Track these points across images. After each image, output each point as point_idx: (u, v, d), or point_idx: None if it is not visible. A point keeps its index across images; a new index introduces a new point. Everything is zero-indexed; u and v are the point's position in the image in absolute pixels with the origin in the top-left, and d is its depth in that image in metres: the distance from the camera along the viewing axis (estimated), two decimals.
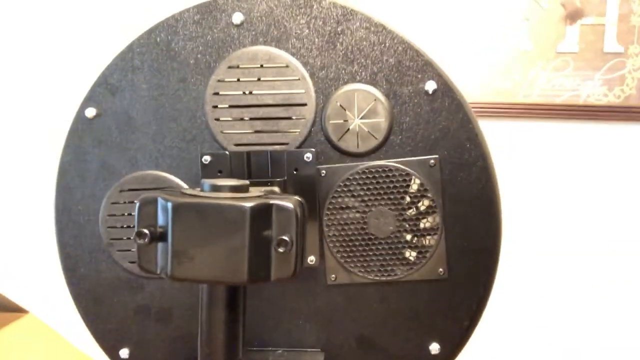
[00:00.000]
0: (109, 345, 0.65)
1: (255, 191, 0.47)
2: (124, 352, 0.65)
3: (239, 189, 0.45)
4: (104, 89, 0.63)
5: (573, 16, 1.44)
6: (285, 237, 0.42)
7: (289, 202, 0.44)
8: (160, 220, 0.44)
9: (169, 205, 0.43)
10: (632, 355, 1.32)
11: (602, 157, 1.36)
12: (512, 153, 1.41)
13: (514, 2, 1.40)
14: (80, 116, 0.64)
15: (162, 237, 0.43)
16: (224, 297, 0.46)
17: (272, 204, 0.43)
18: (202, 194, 0.44)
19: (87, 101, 0.64)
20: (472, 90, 1.41)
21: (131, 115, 0.63)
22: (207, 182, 0.45)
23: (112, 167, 0.64)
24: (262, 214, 0.43)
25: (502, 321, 1.31)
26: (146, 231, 0.43)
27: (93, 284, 0.65)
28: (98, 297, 0.65)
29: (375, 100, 0.59)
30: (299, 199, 0.47)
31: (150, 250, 0.44)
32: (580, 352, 1.34)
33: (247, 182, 0.47)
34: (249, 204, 0.42)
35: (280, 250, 0.42)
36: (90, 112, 0.63)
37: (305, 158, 0.59)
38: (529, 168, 1.38)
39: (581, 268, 1.34)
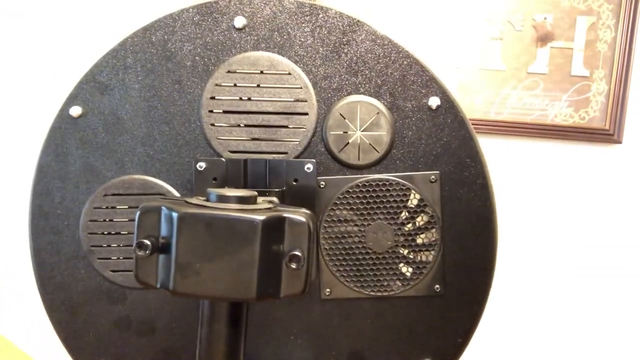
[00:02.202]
0: (84, 356, 0.61)
1: (262, 203, 0.45)
2: None
3: (247, 201, 0.43)
4: (92, 87, 0.59)
5: (544, 39, 1.49)
6: (298, 253, 0.41)
7: (301, 216, 0.42)
8: (164, 231, 0.41)
9: (175, 215, 0.40)
10: None
11: (566, 175, 1.41)
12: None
13: (488, 23, 1.44)
14: (63, 114, 0.60)
15: (165, 248, 0.41)
16: (227, 313, 0.43)
17: (285, 217, 0.41)
18: (208, 204, 0.42)
19: (72, 99, 0.60)
20: None
21: (120, 116, 0.60)
22: (214, 191, 0.43)
23: (96, 169, 0.60)
24: (274, 228, 0.41)
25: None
26: (147, 242, 0.40)
27: (70, 293, 0.61)
28: (75, 307, 0.61)
29: (378, 113, 0.58)
30: (309, 212, 0.45)
31: (150, 263, 0.41)
32: None
33: (255, 193, 0.45)
34: (260, 217, 0.40)
35: (293, 266, 0.40)
36: (76, 110, 0.59)
37: (305, 169, 0.57)
38: (498, 183, 1.41)
39: (546, 282, 1.37)
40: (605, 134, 1.41)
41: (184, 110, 0.59)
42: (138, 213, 0.42)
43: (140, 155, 0.60)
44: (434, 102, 0.58)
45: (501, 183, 1.38)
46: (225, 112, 0.59)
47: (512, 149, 1.45)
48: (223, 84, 0.59)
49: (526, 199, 1.40)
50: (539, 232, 1.37)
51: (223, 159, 0.58)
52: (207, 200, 0.43)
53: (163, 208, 0.41)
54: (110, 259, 0.60)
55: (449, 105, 0.58)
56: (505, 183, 1.40)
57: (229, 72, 0.58)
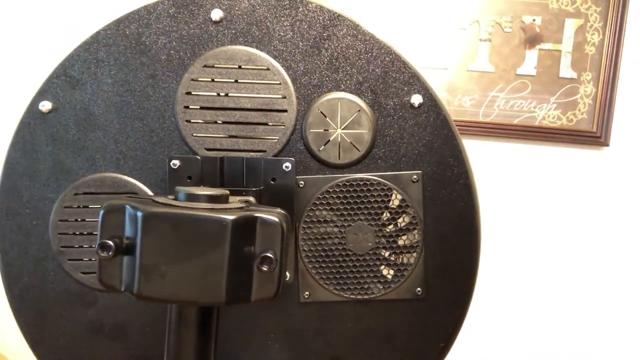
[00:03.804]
0: None
1: (235, 202, 0.43)
2: None
3: (217, 200, 0.41)
4: (63, 82, 0.57)
5: (532, 41, 1.48)
6: (270, 255, 0.39)
7: (274, 216, 0.40)
8: (128, 231, 0.39)
9: (139, 214, 0.38)
10: None
11: (555, 178, 1.41)
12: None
13: (477, 25, 1.43)
14: (33, 110, 0.57)
15: (129, 250, 0.39)
16: (196, 318, 0.41)
17: (256, 217, 0.39)
18: (176, 203, 0.40)
19: (42, 94, 0.57)
20: None
21: (92, 111, 0.57)
22: (182, 190, 0.41)
23: (66, 167, 0.57)
24: (245, 228, 0.39)
25: None
26: (110, 243, 0.38)
27: (38, 296, 0.58)
28: (43, 311, 0.58)
29: (359, 110, 0.57)
30: (283, 212, 0.43)
31: (114, 264, 0.39)
32: None
33: (226, 191, 0.43)
34: (230, 217, 0.38)
35: (264, 268, 0.38)
36: (45, 105, 0.57)
37: (284, 167, 0.56)
38: (485, 186, 1.41)
39: (533, 284, 1.37)
40: (593, 137, 1.41)
41: (158, 106, 0.57)
42: (101, 212, 0.40)
43: (112, 152, 0.57)
44: (417, 99, 0.57)
45: (489, 185, 1.38)
46: (201, 108, 0.57)
47: (500, 151, 1.45)
48: (199, 79, 0.57)
49: (514, 201, 1.39)
50: (526, 235, 1.36)
51: (198, 157, 0.56)
52: (176, 199, 0.41)
53: (127, 207, 0.39)
54: (81, 260, 0.58)
55: (431, 103, 0.57)
56: (494, 185, 1.39)
57: (205, 66, 0.56)
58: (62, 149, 0.57)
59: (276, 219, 0.40)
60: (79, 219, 0.57)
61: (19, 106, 0.60)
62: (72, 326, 0.58)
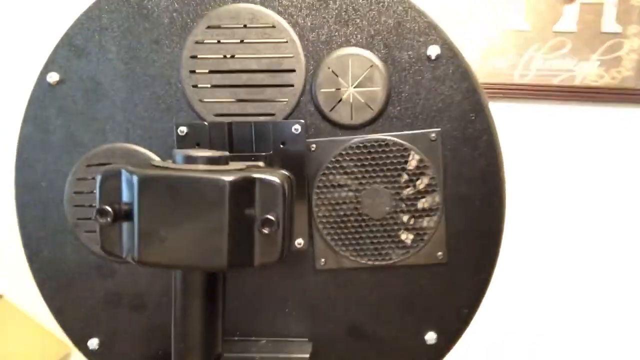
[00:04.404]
0: (77, 335, 0.60)
1: (236, 164, 0.41)
2: (93, 343, 0.59)
3: (217, 161, 0.39)
4: (68, 52, 0.56)
5: None
6: (271, 216, 0.37)
7: (274, 176, 0.38)
8: (125, 197, 0.38)
9: (135, 178, 0.37)
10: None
11: (598, 139, 1.33)
12: (508, 135, 1.37)
13: None
14: (41, 82, 0.57)
15: (128, 215, 0.37)
16: (201, 284, 0.40)
17: (255, 178, 0.37)
18: (174, 166, 0.38)
19: (49, 65, 0.57)
20: None
21: (99, 80, 0.56)
22: (180, 152, 0.39)
23: (77, 139, 0.57)
24: (244, 190, 0.37)
25: (499, 317, 1.28)
26: (109, 209, 0.37)
27: (58, 268, 0.59)
28: (64, 283, 0.59)
29: (371, 66, 0.53)
30: (286, 173, 0.41)
31: (114, 231, 0.38)
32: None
33: (226, 153, 0.41)
34: (228, 178, 0.36)
35: (265, 231, 0.37)
36: (53, 77, 0.56)
37: (293, 130, 0.53)
38: (524, 150, 1.35)
39: (572, 254, 1.31)
40: (639, 95, 1.31)
41: (164, 72, 0.55)
42: (98, 178, 0.39)
43: (121, 122, 0.56)
44: (434, 51, 0.53)
45: (526, 150, 1.31)
46: (207, 72, 0.55)
47: (538, 113, 1.37)
48: (203, 41, 0.54)
49: (553, 165, 1.32)
50: (565, 201, 1.30)
51: (205, 123, 0.54)
52: (174, 162, 0.40)
53: (123, 172, 0.38)
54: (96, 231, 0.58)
55: (450, 54, 0.53)
56: (531, 149, 1.32)
57: (209, 27, 0.54)
58: (72, 121, 0.57)
59: (277, 180, 0.38)
60: (93, 191, 0.57)
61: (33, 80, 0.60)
62: (92, 297, 0.59)
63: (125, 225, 0.38)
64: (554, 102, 1.39)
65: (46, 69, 0.57)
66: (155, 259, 0.37)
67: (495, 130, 0.55)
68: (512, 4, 1.37)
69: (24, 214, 0.59)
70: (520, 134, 1.37)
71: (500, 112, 1.43)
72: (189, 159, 0.39)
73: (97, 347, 0.59)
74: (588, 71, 1.37)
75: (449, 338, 0.57)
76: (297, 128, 0.53)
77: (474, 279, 0.56)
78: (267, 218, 0.37)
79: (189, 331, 0.40)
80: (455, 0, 1.31)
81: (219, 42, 0.54)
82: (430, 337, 0.57)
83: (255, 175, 0.37)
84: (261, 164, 0.51)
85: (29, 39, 1.14)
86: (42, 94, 0.57)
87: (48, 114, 0.57)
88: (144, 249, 0.37)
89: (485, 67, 1.40)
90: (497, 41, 1.37)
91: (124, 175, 0.38)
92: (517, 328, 1.32)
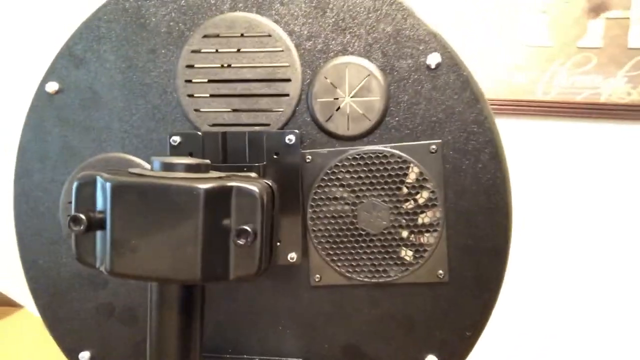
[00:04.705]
0: (69, 347, 0.59)
1: (215, 173, 0.39)
2: (84, 356, 0.58)
3: (196, 169, 0.38)
4: (68, 61, 0.56)
5: (596, 9, 1.35)
6: (247, 227, 0.35)
7: (253, 186, 0.36)
8: (100, 204, 0.36)
9: (108, 185, 0.35)
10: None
11: (623, 158, 1.27)
12: (529, 153, 1.32)
13: None
14: (41, 91, 0.57)
15: (102, 224, 0.36)
16: (177, 298, 0.38)
17: (231, 187, 0.36)
18: (149, 173, 0.37)
19: (49, 74, 0.57)
20: (487, 86, 1.33)
21: (96, 90, 0.56)
22: (158, 159, 0.38)
23: (74, 148, 0.57)
24: (220, 199, 0.36)
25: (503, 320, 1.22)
26: (82, 216, 0.36)
27: (52, 278, 0.58)
28: (58, 293, 0.58)
29: (369, 75, 0.51)
30: (268, 182, 0.39)
31: (89, 240, 0.37)
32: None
33: (207, 161, 0.40)
34: (203, 186, 0.35)
35: (240, 242, 0.35)
36: (52, 86, 0.56)
37: (287, 140, 0.52)
38: (547, 169, 1.30)
39: (590, 270, 1.24)
40: None
41: (160, 82, 0.55)
42: (75, 184, 0.38)
43: (117, 131, 0.56)
44: (433, 59, 0.51)
45: (550, 168, 1.27)
46: (202, 81, 0.54)
47: (561, 131, 1.33)
48: (199, 50, 0.54)
49: (577, 185, 1.27)
50: (591, 222, 1.24)
51: (199, 133, 0.53)
52: (152, 169, 0.39)
53: (98, 178, 0.36)
54: None
55: (450, 62, 0.51)
56: (554, 168, 1.28)
57: (205, 36, 0.53)
58: (69, 130, 0.57)
59: (255, 189, 0.36)
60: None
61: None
62: (84, 309, 0.58)
63: (99, 234, 0.37)
64: (578, 119, 1.34)
65: (46, 79, 0.57)
66: (127, 270, 0.36)
67: (500, 142, 0.52)
68: (536, 19, 1.34)
69: (20, 222, 0.59)
70: (543, 151, 1.32)
71: (522, 129, 1.39)
72: (167, 166, 0.37)
73: None
74: (614, 88, 1.32)
75: None
76: (290, 138, 0.51)
77: (478, 299, 0.52)
78: (243, 229, 0.35)
79: (164, 345, 0.39)
80: (477, 15, 1.29)
81: (215, 51, 0.54)
82: None
83: (232, 184, 0.36)
84: (253, 174, 0.50)
85: (39, 48, 1.17)
86: (41, 103, 0.57)
87: (46, 123, 0.57)
88: (116, 259, 0.36)
89: (507, 84, 1.37)
90: (520, 57, 1.34)
91: (99, 182, 0.36)
92: (520, 347, 1.25)
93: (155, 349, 0.39)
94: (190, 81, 0.54)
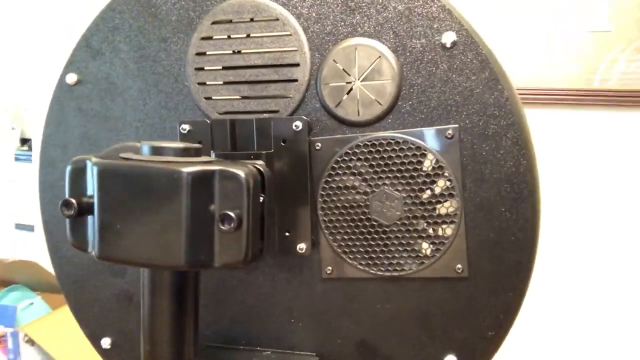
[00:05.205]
0: (92, 333, 0.60)
1: (204, 158, 0.38)
2: (106, 342, 0.59)
3: (184, 153, 0.37)
4: (85, 53, 0.57)
5: None
6: (230, 212, 0.33)
7: (238, 170, 0.35)
8: (90, 188, 0.36)
9: (95, 169, 0.35)
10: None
11: None
12: (587, 146, 1.23)
13: None
14: (61, 83, 0.58)
15: (92, 208, 0.36)
16: (169, 283, 0.37)
17: (215, 171, 0.34)
18: (136, 157, 0.37)
19: (68, 66, 0.58)
20: (541, 75, 1.25)
21: (112, 80, 0.57)
22: (147, 144, 0.37)
23: (93, 137, 0.58)
24: (205, 183, 0.34)
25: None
26: (72, 201, 0.36)
27: (76, 266, 0.60)
28: (80, 280, 0.60)
29: (379, 57, 0.49)
30: (259, 167, 0.37)
31: (81, 224, 0.37)
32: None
33: (198, 145, 0.39)
34: (186, 169, 0.34)
35: (224, 227, 0.33)
36: (71, 78, 0.58)
37: (294, 127, 0.50)
38: (606, 161, 1.21)
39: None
40: None
41: (171, 70, 0.55)
42: (67, 169, 0.38)
43: (132, 120, 0.56)
44: (449, 38, 0.47)
45: (607, 161, 1.18)
46: (213, 69, 0.53)
47: (620, 121, 1.23)
48: (208, 38, 0.53)
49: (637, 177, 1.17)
50: None
51: (207, 121, 0.52)
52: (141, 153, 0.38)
53: (88, 162, 0.36)
54: None
55: (467, 41, 0.47)
56: (612, 161, 1.19)
57: (214, 23, 0.53)
58: (88, 120, 0.58)
59: (239, 173, 0.34)
60: None
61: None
62: (105, 297, 0.59)
63: (90, 219, 0.37)
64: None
65: (66, 70, 0.58)
66: (112, 254, 0.35)
67: (525, 126, 0.47)
68: (594, 3, 1.25)
69: (46, 211, 0.60)
70: (602, 143, 1.23)
71: (578, 121, 1.30)
72: (156, 150, 0.37)
73: (109, 346, 0.59)
74: None
75: None
76: (297, 125, 0.49)
77: (500, 297, 0.48)
78: (226, 214, 0.33)
79: (157, 332, 0.38)
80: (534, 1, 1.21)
81: (229, 37, 0.53)
82: None
83: (216, 168, 0.34)
84: (260, 162, 0.48)
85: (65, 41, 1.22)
86: (62, 94, 0.58)
87: (67, 114, 0.58)
88: (102, 243, 0.35)
89: (561, 72, 1.28)
90: (575, 43, 1.25)
91: (89, 166, 0.36)
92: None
93: (147, 336, 0.38)
94: (200, 69, 0.53)
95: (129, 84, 0.56)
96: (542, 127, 1.23)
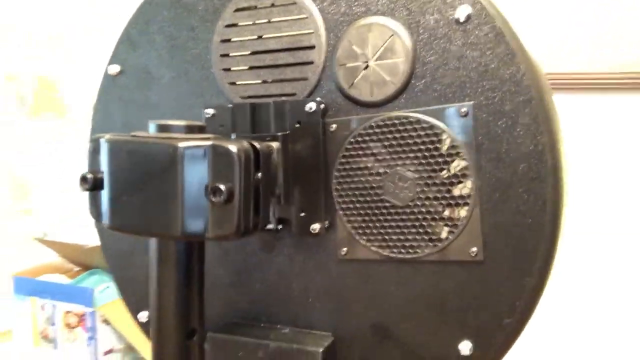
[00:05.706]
0: (133, 307, 0.65)
1: (206, 135, 0.40)
2: (143, 316, 0.63)
3: (189, 130, 0.39)
4: (126, 45, 0.62)
5: None
6: (220, 185, 0.35)
7: (231, 145, 0.36)
8: (103, 164, 0.40)
9: (105, 145, 0.38)
10: None
11: None
12: None
13: None
14: (106, 74, 0.63)
15: (104, 183, 0.39)
16: (174, 253, 0.40)
17: (209, 145, 0.36)
18: (143, 134, 0.39)
19: (112, 58, 0.63)
20: (615, 62, 1.15)
21: (149, 70, 0.61)
22: (154, 122, 0.40)
23: (133, 126, 0.62)
24: (200, 157, 0.36)
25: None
26: (89, 175, 0.39)
27: (119, 242, 0.65)
28: (122, 255, 0.64)
29: (392, 35, 0.48)
30: (255, 144, 0.39)
31: (99, 198, 0.40)
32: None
33: (200, 123, 0.41)
34: (181, 144, 0.36)
35: (214, 199, 0.35)
36: (114, 69, 0.62)
37: (307, 109, 0.51)
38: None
39: None
40: None
41: (198, 58, 0.57)
42: (89, 146, 0.41)
43: (165, 108, 0.60)
44: (463, 12, 0.45)
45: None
46: (236, 55, 0.56)
47: None
48: (232, 25, 0.55)
49: None
50: None
51: (229, 105, 0.54)
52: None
53: (101, 140, 0.39)
54: None
55: (482, 14, 0.45)
56: None
57: (236, 10, 0.55)
58: (129, 109, 0.62)
59: (232, 148, 0.36)
60: None
61: None
62: (142, 269, 0.63)
63: (103, 192, 0.40)
64: None
65: (110, 62, 0.63)
66: (120, 225, 0.38)
67: (545, 102, 0.45)
68: None
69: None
70: None
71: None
72: (162, 128, 0.39)
73: (146, 319, 0.63)
74: None
75: (487, 350, 0.48)
76: (311, 107, 0.50)
77: (517, 283, 0.46)
78: (216, 186, 0.35)
79: (163, 302, 0.41)
80: None
81: (246, 24, 0.55)
82: (465, 346, 0.48)
83: (209, 143, 0.36)
84: (274, 144, 0.50)
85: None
86: (106, 85, 0.63)
87: (111, 103, 0.63)
88: (112, 214, 0.38)
89: (610, 58, 1.18)
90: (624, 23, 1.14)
91: (101, 143, 0.39)
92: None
93: (155, 304, 0.41)
94: (225, 55, 0.56)
95: (163, 72, 0.60)
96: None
